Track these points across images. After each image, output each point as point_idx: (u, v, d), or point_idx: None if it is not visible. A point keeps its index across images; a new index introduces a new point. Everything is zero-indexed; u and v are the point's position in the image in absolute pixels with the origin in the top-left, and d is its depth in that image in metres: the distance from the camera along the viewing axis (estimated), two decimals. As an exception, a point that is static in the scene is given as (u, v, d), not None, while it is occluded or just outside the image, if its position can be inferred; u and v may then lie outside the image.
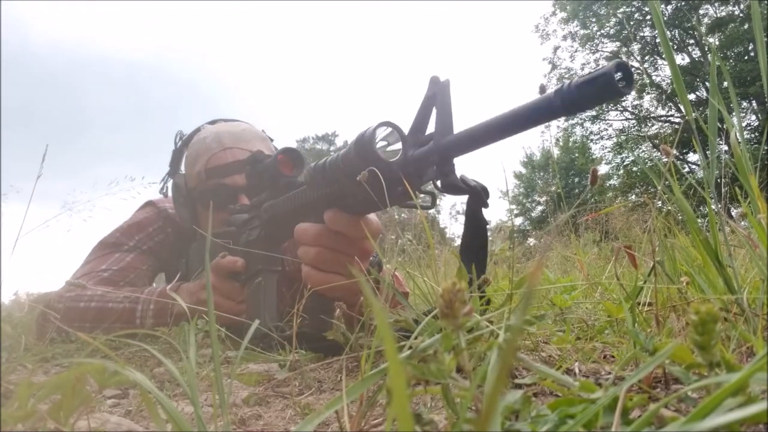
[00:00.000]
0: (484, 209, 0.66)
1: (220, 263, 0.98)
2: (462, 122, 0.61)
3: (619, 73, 0.43)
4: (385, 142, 0.67)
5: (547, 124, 0.53)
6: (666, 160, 0.60)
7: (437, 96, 0.63)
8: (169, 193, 1.37)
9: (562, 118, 16.59)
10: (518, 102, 0.52)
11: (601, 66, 0.45)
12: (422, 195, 0.69)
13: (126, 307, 1.06)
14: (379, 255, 0.79)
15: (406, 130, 0.68)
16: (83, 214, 1.20)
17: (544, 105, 0.48)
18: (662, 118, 15.63)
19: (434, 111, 0.64)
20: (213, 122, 1.39)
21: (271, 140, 1.37)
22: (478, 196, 0.65)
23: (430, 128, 0.66)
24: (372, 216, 0.78)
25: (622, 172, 15.40)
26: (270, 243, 0.94)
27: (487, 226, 0.67)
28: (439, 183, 0.65)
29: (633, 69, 0.42)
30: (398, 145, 0.67)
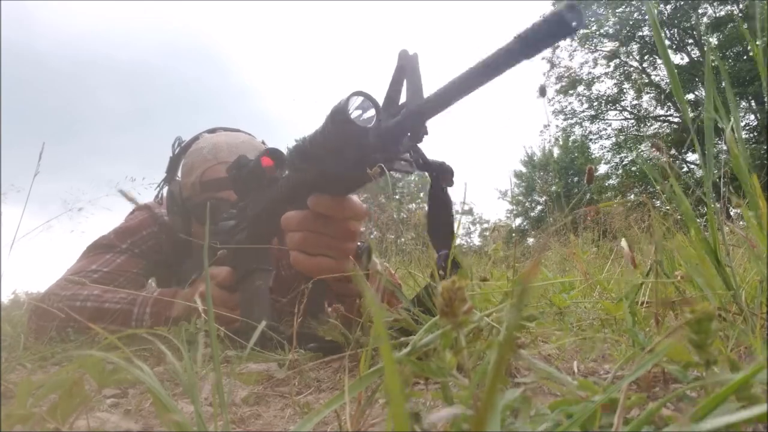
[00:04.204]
0: (449, 188, 0.68)
1: (212, 273, 0.98)
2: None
3: (571, 14, 0.46)
4: (359, 111, 0.68)
5: (546, 123, 0.54)
6: (664, 159, 0.60)
7: (406, 68, 0.64)
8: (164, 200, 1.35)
9: (561, 118, 16.65)
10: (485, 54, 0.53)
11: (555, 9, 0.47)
12: (402, 162, 0.70)
13: (122, 308, 1.05)
14: (369, 242, 0.79)
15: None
16: (84, 214, 1.20)
17: (505, 51, 0.50)
18: (661, 118, 15.65)
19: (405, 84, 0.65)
20: (212, 131, 1.37)
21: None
22: (443, 174, 0.66)
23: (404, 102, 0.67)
24: (355, 197, 0.79)
25: (620, 171, 15.42)
26: (258, 241, 0.95)
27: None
28: (409, 156, 0.66)
29: (581, 7, 0.46)
30: (372, 112, 0.68)
